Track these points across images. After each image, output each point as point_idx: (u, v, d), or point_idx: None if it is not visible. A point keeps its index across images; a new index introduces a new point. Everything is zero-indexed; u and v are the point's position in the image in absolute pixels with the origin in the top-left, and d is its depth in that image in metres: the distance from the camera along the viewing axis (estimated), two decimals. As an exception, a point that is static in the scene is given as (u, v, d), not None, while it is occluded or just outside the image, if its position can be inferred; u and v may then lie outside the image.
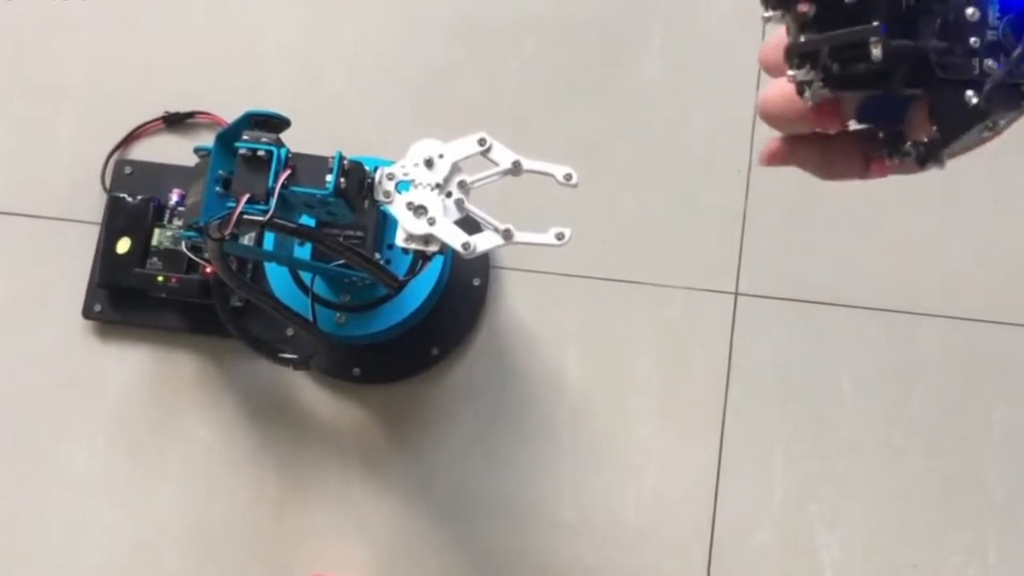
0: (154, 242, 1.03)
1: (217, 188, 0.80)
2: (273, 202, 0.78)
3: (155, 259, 1.03)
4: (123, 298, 1.04)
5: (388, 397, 1.03)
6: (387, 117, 1.10)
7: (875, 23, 0.41)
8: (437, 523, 1.00)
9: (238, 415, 1.03)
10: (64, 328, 1.06)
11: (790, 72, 0.44)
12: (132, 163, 1.08)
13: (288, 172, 0.79)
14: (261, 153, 0.78)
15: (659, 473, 1.00)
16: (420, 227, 0.78)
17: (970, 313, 1.01)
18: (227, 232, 0.77)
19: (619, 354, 1.03)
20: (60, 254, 1.07)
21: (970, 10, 0.41)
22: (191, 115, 1.10)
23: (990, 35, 0.41)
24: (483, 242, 0.78)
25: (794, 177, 1.06)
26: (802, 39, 0.43)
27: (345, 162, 0.80)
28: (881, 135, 0.47)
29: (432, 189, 0.79)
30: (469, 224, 0.78)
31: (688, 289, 1.04)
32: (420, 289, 0.98)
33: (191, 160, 1.05)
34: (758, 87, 1.07)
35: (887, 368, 1.01)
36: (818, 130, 0.48)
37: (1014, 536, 0.98)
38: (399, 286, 0.88)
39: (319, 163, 0.80)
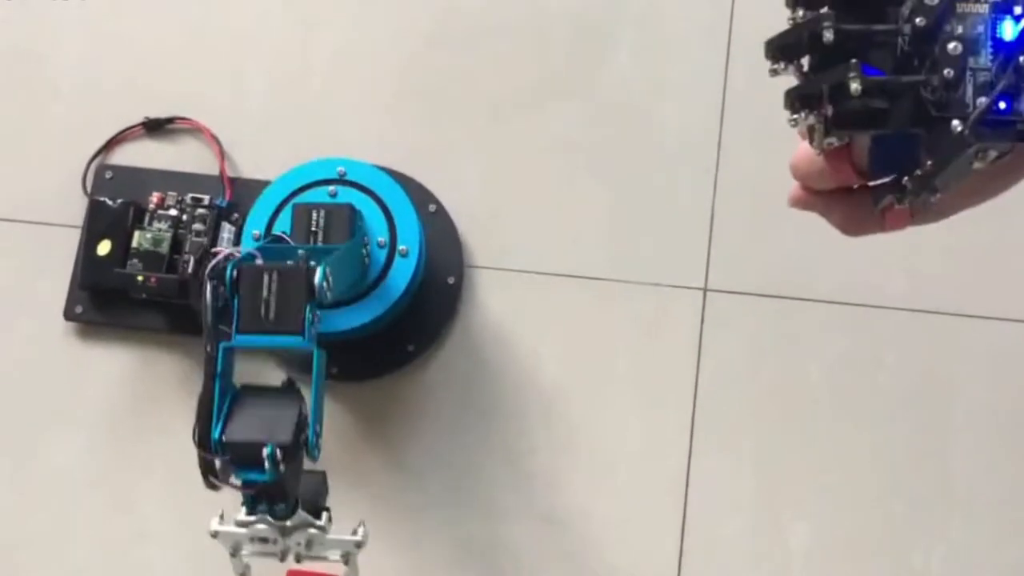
0: (134, 244, 1.05)
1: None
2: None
3: (135, 260, 1.04)
4: (104, 299, 1.06)
5: (365, 394, 1.05)
6: (366, 118, 1.12)
7: (852, 61, 0.43)
8: (413, 515, 1.02)
9: (218, 413, 1.05)
10: (46, 330, 1.08)
11: (791, 116, 0.47)
12: (113, 168, 1.11)
13: None
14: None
15: (632, 465, 1.02)
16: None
17: (931, 306, 1.04)
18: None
19: (592, 350, 1.05)
20: (42, 257, 1.09)
21: (951, 44, 0.43)
22: (170, 120, 1.12)
23: (981, 76, 0.44)
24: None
25: (761, 176, 1.08)
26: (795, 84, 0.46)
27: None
28: (891, 184, 0.49)
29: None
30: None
31: (658, 285, 1.06)
32: (395, 287, 1.00)
33: (170, 165, 1.09)
34: (726, 85, 1.10)
35: (852, 360, 1.03)
36: (838, 185, 0.50)
37: (976, 522, 1.00)
38: None
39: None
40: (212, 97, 1.14)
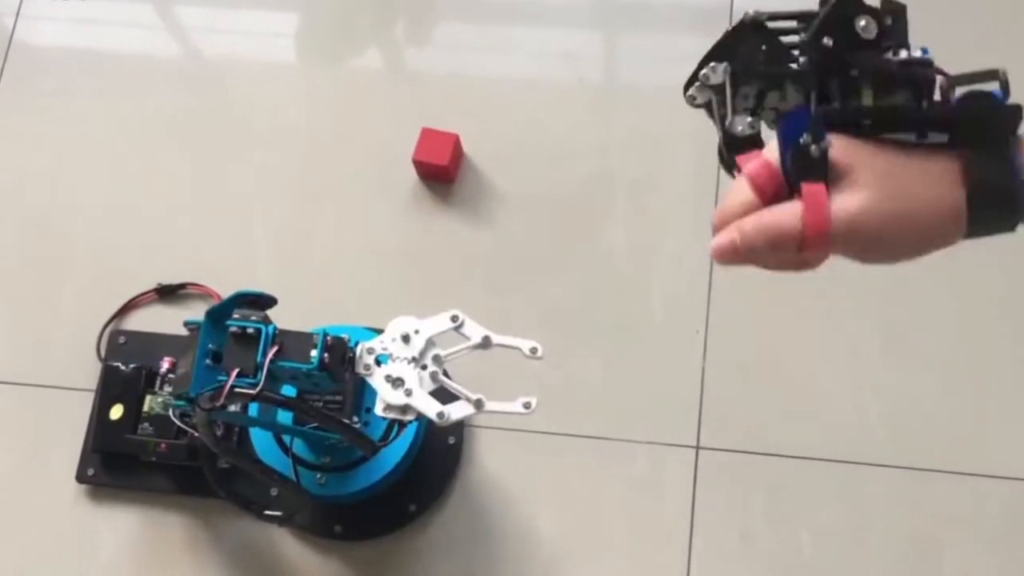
0: (145, 408, 1.09)
1: (207, 361, 0.86)
2: (262, 376, 0.84)
3: (146, 424, 1.08)
4: (115, 462, 1.10)
5: (368, 553, 1.08)
6: (367, 288, 1.17)
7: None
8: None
9: (226, 574, 1.07)
10: (58, 492, 1.11)
11: (702, 76, 0.56)
12: (126, 333, 1.15)
13: (276, 348, 0.86)
14: (250, 331, 0.85)
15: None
16: (398, 398, 0.85)
17: (917, 463, 1.07)
18: (218, 404, 0.83)
19: (588, 507, 1.08)
20: (56, 421, 1.13)
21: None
22: (182, 287, 1.17)
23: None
24: (456, 411, 0.85)
25: (749, 335, 1.12)
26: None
27: (329, 338, 0.86)
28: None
29: (409, 363, 0.86)
30: (442, 393, 0.85)
31: (652, 444, 1.09)
32: (397, 449, 1.03)
33: (182, 330, 1.12)
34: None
35: (842, 517, 1.06)
36: (758, 196, 0.53)
37: None
38: (374, 450, 0.94)
39: (304, 339, 0.87)
40: (222, 264, 1.19)
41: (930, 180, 0.51)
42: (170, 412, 0.98)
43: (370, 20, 1.32)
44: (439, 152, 1.16)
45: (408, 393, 0.85)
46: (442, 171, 1.17)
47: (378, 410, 0.86)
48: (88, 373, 1.14)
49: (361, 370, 0.87)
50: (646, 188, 1.20)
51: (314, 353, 0.86)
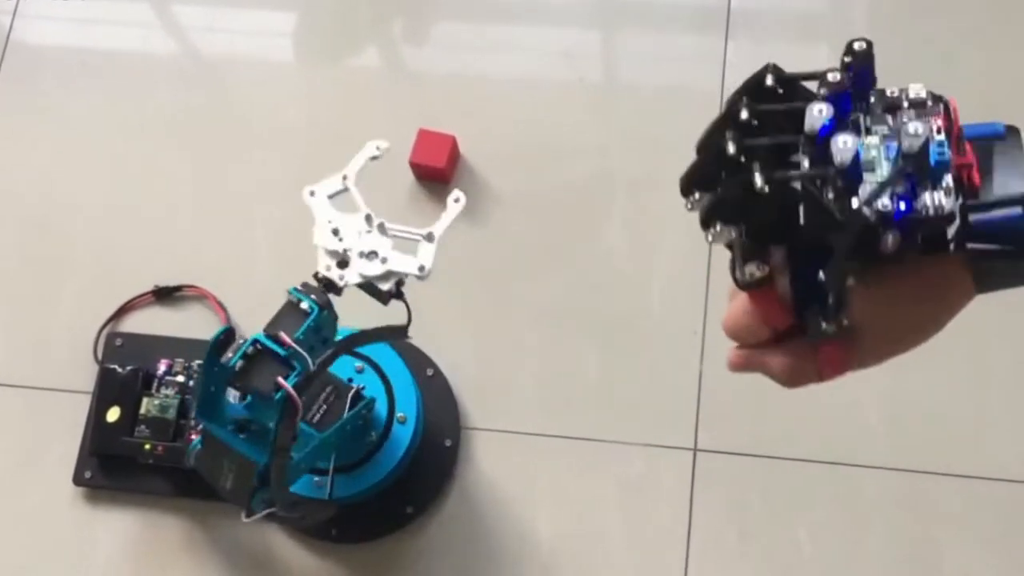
0: (142, 411, 1.09)
1: (241, 437, 0.87)
2: (301, 356, 0.84)
3: (143, 427, 1.08)
4: (113, 465, 1.10)
5: (365, 556, 1.08)
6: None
7: (755, 163, 0.45)
8: None
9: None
10: (55, 494, 1.11)
11: (707, 232, 0.49)
12: (123, 335, 1.15)
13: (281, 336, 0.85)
14: (250, 351, 0.84)
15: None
16: (378, 268, 0.87)
17: (916, 465, 1.06)
18: (299, 417, 0.83)
19: (586, 510, 1.08)
20: (53, 423, 1.13)
21: (841, 138, 0.44)
22: (179, 288, 1.17)
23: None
24: (425, 257, 0.88)
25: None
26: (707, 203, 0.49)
27: (299, 287, 0.88)
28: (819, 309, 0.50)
29: (361, 235, 0.88)
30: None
31: (649, 446, 1.09)
32: (394, 451, 1.03)
33: (179, 332, 1.13)
34: (711, 253, 1.14)
35: (840, 519, 1.05)
36: (771, 329, 0.51)
37: None
38: (406, 332, 0.95)
39: (287, 309, 0.87)
40: (221, 264, 1.19)
41: (938, 292, 0.51)
42: (245, 520, 0.89)
43: (369, 19, 1.32)
44: (436, 154, 1.16)
45: (384, 260, 0.87)
46: (439, 173, 1.17)
47: (384, 287, 0.88)
48: (85, 375, 1.14)
49: (340, 284, 0.88)
50: (646, 188, 1.19)
51: (305, 304, 0.86)
